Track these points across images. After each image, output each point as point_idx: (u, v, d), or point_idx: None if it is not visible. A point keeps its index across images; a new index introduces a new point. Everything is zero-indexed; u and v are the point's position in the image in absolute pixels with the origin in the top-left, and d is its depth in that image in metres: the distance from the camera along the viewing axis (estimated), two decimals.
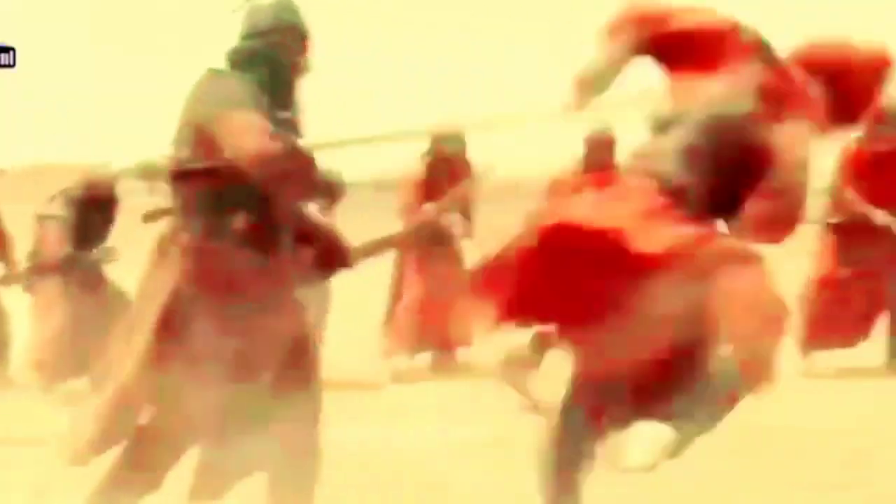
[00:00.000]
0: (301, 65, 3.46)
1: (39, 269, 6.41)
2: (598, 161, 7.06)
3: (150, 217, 6.18)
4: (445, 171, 7.18)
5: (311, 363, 3.43)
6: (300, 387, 3.35)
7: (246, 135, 3.17)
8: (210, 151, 3.23)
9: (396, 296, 7.27)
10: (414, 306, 7.11)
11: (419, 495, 4.33)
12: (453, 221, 7.21)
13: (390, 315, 7.25)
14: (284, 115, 3.36)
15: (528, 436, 4.69)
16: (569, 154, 7.07)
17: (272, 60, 3.38)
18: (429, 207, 7.14)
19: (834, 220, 6.82)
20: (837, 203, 6.78)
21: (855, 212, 6.70)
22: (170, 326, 3.21)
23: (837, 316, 6.68)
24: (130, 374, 3.20)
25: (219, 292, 3.23)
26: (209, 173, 3.25)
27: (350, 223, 6.53)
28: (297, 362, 3.36)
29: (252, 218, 3.26)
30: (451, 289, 7.05)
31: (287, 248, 3.39)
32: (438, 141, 7.09)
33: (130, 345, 3.25)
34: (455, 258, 7.24)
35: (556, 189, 7.19)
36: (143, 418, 3.26)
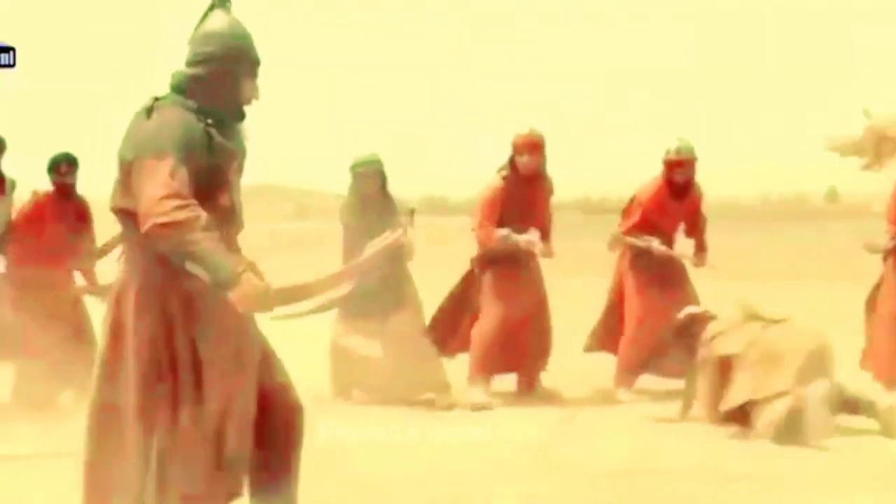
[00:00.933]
0: (247, 93, 3.39)
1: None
2: (683, 180, 6.87)
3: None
4: (524, 187, 6.76)
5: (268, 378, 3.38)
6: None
7: (151, 190, 3.09)
8: (130, 191, 3.21)
9: (469, 315, 6.89)
10: (494, 329, 6.73)
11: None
12: (533, 241, 6.77)
13: (463, 339, 6.87)
14: (227, 144, 3.30)
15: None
16: (633, 173, 6.89)
17: (218, 89, 3.32)
18: (504, 231, 6.74)
19: None
20: None
21: None
22: (153, 350, 3.24)
23: None
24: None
25: (185, 318, 3.24)
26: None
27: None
28: (261, 376, 3.35)
29: None
30: (529, 311, 6.84)
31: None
32: (517, 153, 6.69)
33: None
34: (535, 278, 6.92)
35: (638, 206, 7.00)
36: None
